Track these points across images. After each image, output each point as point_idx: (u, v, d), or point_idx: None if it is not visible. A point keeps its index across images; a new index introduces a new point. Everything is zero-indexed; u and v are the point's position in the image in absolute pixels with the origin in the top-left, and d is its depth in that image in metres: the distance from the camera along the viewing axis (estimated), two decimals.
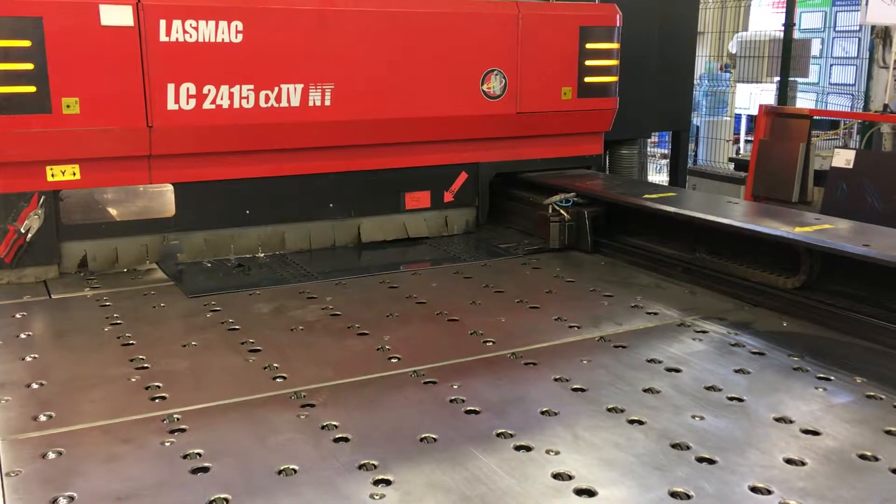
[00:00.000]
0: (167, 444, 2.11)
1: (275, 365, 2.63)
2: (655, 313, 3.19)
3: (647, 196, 3.96)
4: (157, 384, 2.48)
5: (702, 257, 3.67)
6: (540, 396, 2.41)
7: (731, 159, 9.53)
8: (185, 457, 2.04)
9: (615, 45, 4.62)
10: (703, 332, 2.98)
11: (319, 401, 2.37)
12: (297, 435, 2.17)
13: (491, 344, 2.85)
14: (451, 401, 2.37)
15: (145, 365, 2.63)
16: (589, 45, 4.52)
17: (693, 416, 2.27)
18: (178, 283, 3.56)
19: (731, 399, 2.39)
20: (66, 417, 2.26)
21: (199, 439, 2.13)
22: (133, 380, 2.52)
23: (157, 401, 2.38)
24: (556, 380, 2.53)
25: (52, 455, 2.05)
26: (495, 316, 3.15)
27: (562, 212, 4.14)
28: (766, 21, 13.11)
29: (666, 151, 8.72)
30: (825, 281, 3.21)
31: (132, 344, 2.82)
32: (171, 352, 2.77)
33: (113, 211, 3.74)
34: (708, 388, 2.47)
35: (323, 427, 2.20)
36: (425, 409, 2.34)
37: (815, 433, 2.18)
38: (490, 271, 3.83)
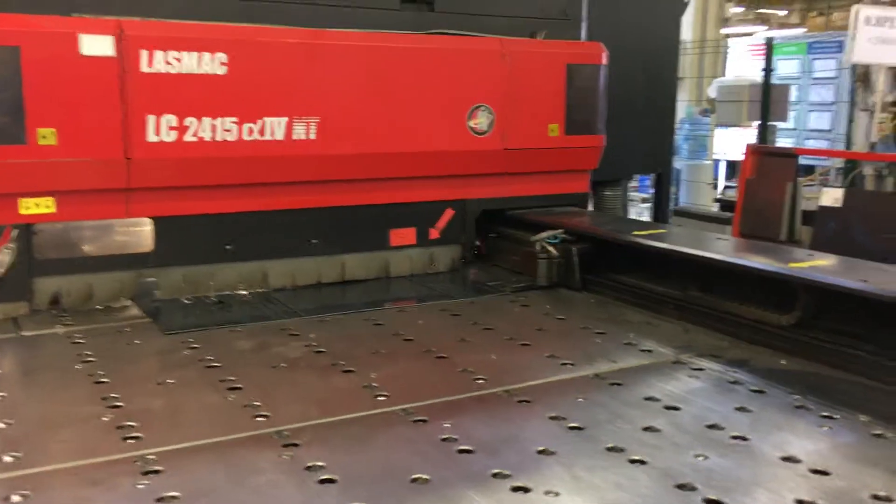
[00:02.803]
0: (140, 486, 1.98)
1: (256, 403, 2.50)
2: (650, 350, 3.10)
3: (636, 233, 3.90)
4: (130, 423, 2.34)
5: (694, 294, 3.60)
6: (536, 435, 2.30)
7: (716, 199, 9.57)
8: (159, 500, 1.91)
9: (601, 83, 4.60)
10: (700, 369, 2.89)
11: (303, 440, 2.24)
12: (279, 476, 2.04)
13: (482, 381, 2.74)
14: (444, 440, 2.26)
15: (118, 403, 2.49)
16: (576, 83, 4.50)
17: (696, 455, 2.17)
18: (154, 319, 3.43)
19: (735, 438, 2.29)
20: (33, 458, 2.12)
21: (174, 481, 2.00)
22: (105, 419, 2.38)
23: (130, 441, 2.24)
24: (551, 418, 2.42)
25: (16, 498, 1.91)
26: (486, 353, 3.04)
27: (550, 249, 4.07)
28: (742, 67, 13.32)
29: (646, 196, 8.75)
30: (821, 318, 3.14)
31: (105, 382, 2.68)
32: (146, 390, 2.63)
33: (88, 245, 3.61)
34: (709, 427, 2.37)
35: (307, 468, 2.07)
36: (416, 449, 2.22)
37: (825, 473, 2.08)
38: (478, 309, 3.73)
